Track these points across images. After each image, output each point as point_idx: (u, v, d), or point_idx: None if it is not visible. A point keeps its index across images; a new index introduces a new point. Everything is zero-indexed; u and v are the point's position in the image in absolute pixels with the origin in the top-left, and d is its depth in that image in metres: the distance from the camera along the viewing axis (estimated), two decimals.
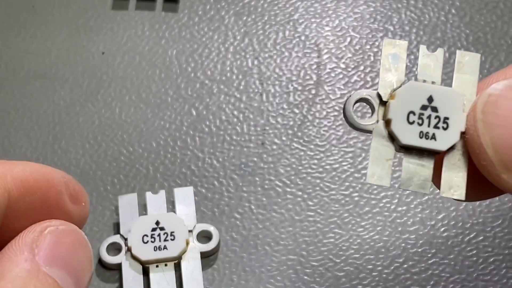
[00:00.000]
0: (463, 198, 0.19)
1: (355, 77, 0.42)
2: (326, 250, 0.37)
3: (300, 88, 0.42)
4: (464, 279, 0.36)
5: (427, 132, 0.18)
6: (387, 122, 0.19)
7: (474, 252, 0.37)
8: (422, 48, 0.20)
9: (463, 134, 0.19)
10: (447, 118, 0.19)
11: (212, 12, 0.44)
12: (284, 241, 0.37)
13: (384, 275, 0.36)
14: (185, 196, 0.26)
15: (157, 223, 0.22)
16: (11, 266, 0.17)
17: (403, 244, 0.37)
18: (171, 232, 0.22)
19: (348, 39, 0.43)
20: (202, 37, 0.43)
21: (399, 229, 0.37)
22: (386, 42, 0.19)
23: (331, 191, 0.39)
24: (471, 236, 0.37)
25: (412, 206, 0.38)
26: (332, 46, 0.43)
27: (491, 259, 0.37)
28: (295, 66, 0.42)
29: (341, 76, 0.42)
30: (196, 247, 0.23)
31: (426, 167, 0.19)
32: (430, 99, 0.19)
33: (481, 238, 0.37)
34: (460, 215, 0.38)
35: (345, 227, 0.38)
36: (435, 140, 0.18)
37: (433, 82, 0.19)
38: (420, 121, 0.18)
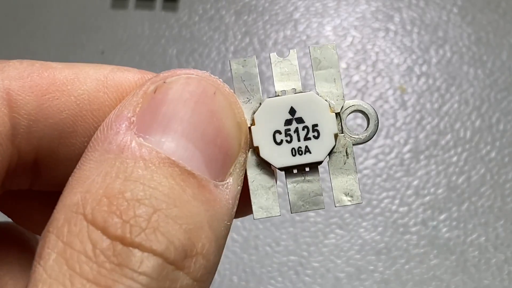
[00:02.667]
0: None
1: (356, 77, 0.42)
2: (327, 250, 0.37)
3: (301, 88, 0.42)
4: (467, 280, 0.36)
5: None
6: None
7: (476, 253, 0.37)
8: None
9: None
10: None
11: (213, 11, 0.44)
12: (285, 241, 0.37)
13: (386, 276, 0.36)
14: (327, 60, 0.18)
15: (292, 111, 0.17)
16: (95, 147, 0.15)
17: (404, 245, 0.37)
18: (314, 126, 0.17)
19: (350, 38, 0.43)
20: (203, 36, 0.43)
21: (401, 229, 0.37)
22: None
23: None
24: (473, 236, 0.37)
25: (414, 206, 0.38)
26: None
27: (494, 260, 0.37)
28: None
29: (342, 76, 0.42)
30: (347, 139, 0.18)
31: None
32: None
33: (483, 238, 0.37)
34: (462, 216, 0.38)
35: (346, 228, 0.38)
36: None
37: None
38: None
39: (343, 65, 0.42)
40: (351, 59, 0.43)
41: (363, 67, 0.42)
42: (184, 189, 0.14)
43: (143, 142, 0.15)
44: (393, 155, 0.40)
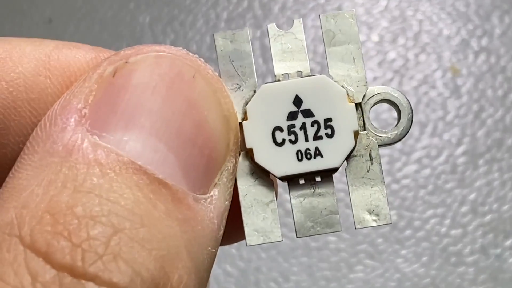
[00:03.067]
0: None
1: (392, 54, 0.42)
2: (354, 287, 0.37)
3: (318, 69, 0.42)
4: None
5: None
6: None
7: None
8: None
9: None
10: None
11: None
12: (296, 275, 0.37)
13: None
14: (343, 33, 0.18)
15: (298, 101, 0.17)
16: (34, 149, 0.15)
17: (458, 280, 0.37)
18: (326, 120, 0.17)
19: (384, 2, 0.43)
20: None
21: (453, 260, 0.37)
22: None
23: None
24: None
25: (471, 228, 0.38)
26: (362, 12, 0.43)
27: None
28: (312, 39, 0.42)
29: (373, 52, 0.42)
30: (371, 138, 0.18)
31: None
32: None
33: None
34: None
35: (378, 257, 0.38)
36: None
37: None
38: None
39: (374, 37, 0.42)
40: (386, 30, 0.42)
41: (401, 41, 0.42)
42: (154, 204, 0.14)
43: (98, 141, 0.15)
44: (442, 159, 0.39)
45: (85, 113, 0.15)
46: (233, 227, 0.18)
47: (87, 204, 0.14)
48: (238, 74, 0.18)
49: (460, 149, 0.40)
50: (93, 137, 0.15)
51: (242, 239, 0.18)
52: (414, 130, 0.40)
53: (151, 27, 0.43)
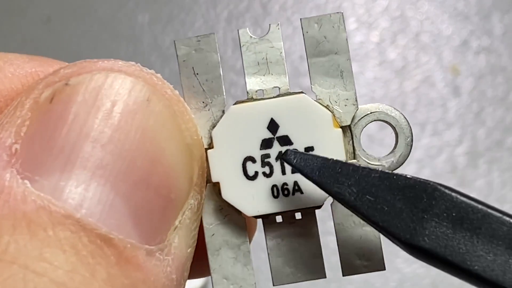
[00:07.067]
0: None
1: (392, 54, 0.42)
2: None
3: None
4: None
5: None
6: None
7: None
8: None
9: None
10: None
11: None
12: None
13: None
14: (330, 41, 0.15)
15: (273, 125, 0.15)
16: None
17: (458, 280, 0.37)
18: (307, 149, 0.15)
19: (384, 2, 0.43)
20: None
21: None
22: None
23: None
24: None
25: None
26: (362, 12, 0.43)
27: None
28: None
29: (374, 54, 0.42)
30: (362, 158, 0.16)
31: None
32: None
33: None
34: None
35: None
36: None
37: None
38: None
39: (374, 38, 0.42)
40: (386, 30, 0.42)
41: (401, 41, 0.42)
42: (93, 271, 0.12)
43: (29, 187, 0.12)
44: (442, 158, 0.40)
45: (16, 149, 0.13)
46: (198, 262, 0.15)
47: (8, 281, 0.11)
48: (203, 90, 0.15)
49: (460, 149, 0.40)
50: (23, 181, 0.12)
51: (209, 275, 0.16)
52: (414, 130, 0.39)
53: (150, 27, 0.43)
